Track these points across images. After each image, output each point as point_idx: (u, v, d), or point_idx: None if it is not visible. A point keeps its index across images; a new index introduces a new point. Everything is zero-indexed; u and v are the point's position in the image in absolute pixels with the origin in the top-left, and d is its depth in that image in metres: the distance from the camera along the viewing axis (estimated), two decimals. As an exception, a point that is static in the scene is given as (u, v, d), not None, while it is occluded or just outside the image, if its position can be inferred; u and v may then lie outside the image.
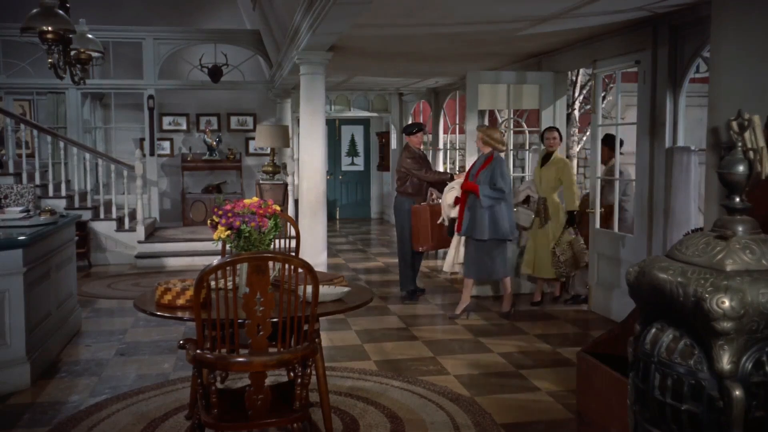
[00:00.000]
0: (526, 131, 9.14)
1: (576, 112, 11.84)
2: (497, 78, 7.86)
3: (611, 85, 10.94)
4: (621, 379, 3.41)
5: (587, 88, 11.69)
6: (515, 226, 6.79)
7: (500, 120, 11.42)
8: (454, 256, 7.29)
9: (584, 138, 12.11)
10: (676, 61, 5.90)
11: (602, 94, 8.28)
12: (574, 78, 11.57)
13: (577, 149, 12.45)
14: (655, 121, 6.09)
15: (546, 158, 7.15)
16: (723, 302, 2.05)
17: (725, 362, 2.09)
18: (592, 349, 4.02)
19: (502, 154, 6.85)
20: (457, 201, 6.86)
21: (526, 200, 7.38)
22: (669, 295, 2.22)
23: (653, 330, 2.32)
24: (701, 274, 2.16)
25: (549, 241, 7.05)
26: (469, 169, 6.82)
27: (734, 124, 2.40)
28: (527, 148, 9.45)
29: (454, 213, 6.90)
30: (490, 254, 6.59)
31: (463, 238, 6.84)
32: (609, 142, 7.17)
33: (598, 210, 7.03)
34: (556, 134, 7.21)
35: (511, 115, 9.40)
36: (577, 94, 11.79)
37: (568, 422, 4.22)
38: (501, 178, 6.48)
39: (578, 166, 12.93)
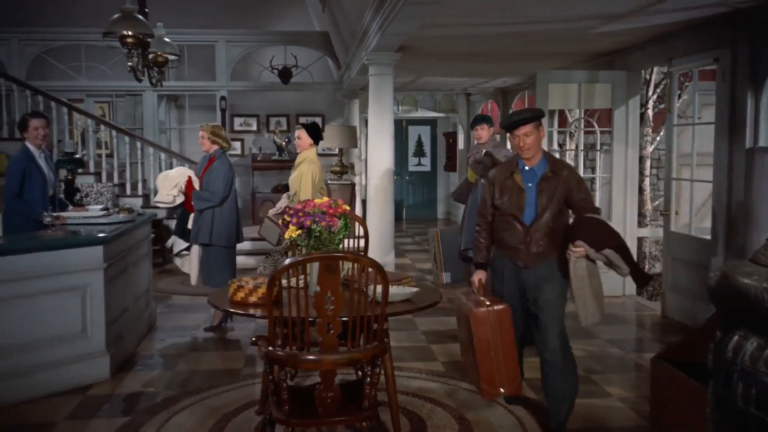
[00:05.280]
0: (597, 131, 8.96)
1: (649, 112, 11.53)
2: (568, 77, 7.73)
3: (686, 84, 10.61)
4: (699, 386, 3.31)
5: (661, 86, 11.38)
6: (241, 233, 6.26)
7: (570, 120, 11.23)
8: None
9: (657, 138, 11.78)
10: (758, 58, 5.67)
11: (677, 93, 8.02)
12: (647, 76, 11.27)
13: (651, 149, 12.14)
14: (734, 121, 5.87)
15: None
16: (812, 310, 1.96)
17: (814, 372, 2.00)
18: (666, 355, 3.91)
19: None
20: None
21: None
22: (753, 301, 2.14)
23: (736, 337, 2.24)
24: (788, 280, 2.07)
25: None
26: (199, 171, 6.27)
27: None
28: (598, 148, 9.26)
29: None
30: (215, 261, 6.14)
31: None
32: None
33: (673, 211, 6.83)
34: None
35: (582, 115, 9.23)
36: (650, 93, 11.49)
37: (640, 430, 4.12)
38: (216, 181, 6.04)
39: (650, 167, 12.60)
